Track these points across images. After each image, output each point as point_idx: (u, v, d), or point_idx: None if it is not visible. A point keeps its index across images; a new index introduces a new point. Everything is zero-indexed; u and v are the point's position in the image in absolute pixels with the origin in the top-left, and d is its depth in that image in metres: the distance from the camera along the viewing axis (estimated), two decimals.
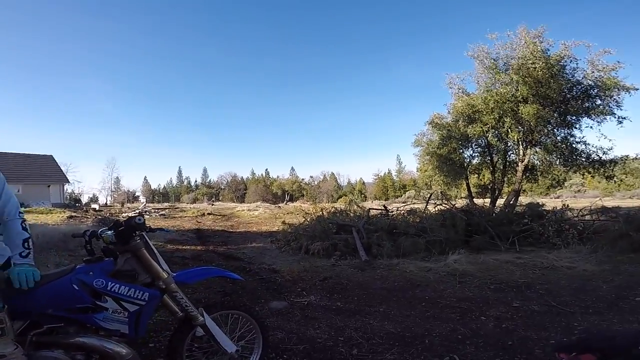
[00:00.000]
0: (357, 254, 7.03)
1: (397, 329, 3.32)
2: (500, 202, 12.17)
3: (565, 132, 11.11)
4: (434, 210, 9.68)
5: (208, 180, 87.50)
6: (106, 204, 41.21)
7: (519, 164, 11.62)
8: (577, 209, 9.15)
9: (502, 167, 12.79)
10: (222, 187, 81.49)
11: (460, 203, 11.14)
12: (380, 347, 2.94)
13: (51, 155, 34.96)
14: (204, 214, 21.64)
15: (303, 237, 8.38)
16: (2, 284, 1.65)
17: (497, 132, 11.84)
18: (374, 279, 5.31)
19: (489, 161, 13.12)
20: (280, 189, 76.29)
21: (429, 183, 15.61)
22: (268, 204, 34.04)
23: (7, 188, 1.80)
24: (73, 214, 17.42)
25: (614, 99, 10.17)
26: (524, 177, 11.81)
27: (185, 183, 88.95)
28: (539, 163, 12.04)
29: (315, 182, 79.62)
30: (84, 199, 44.00)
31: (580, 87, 10.55)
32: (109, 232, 1.91)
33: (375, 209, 11.29)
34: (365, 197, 62.96)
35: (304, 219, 10.37)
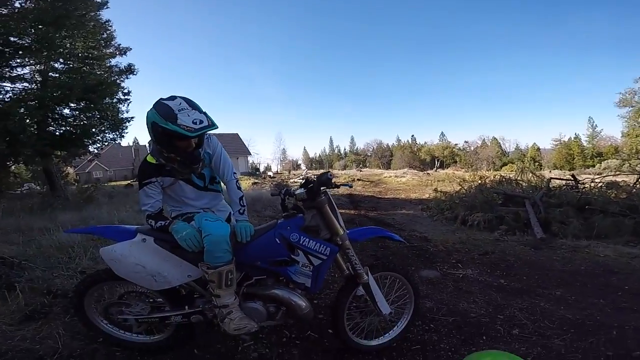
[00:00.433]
0: (529, 230, 6.10)
1: (576, 316, 2.84)
2: None
3: None
4: None
5: (355, 148, 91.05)
6: (277, 171, 48.52)
7: None
8: None
9: None
10: (369, 154, 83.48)
11: None
12: (549, 331, 2.59)
13: (237, 134, 43.95)
14: (353, 180, 22.71)
15: (459, 206, 7.78)
16: (233, 237, 1.90)
17: None
18: (551, 260, 4.53)
19: None
20: (428, 155, 72.51)
21: None
22: (415, 171, 33.02)
23: (224, 153, 2.11)
24: (255, 181, 21.35)
25: None
26: None
27: (336, 151, 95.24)
28: None
29: (472, 148, 71.84)
30: (261, 168, 53.02)
31: None
32: (301, 190, 2.02)
33: (558, 179, 9.36)
34: (541, 165, 52.96)
35: (460, 187, 9.58)
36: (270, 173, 40.06)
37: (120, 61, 14.67)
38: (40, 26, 10.02)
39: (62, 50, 11.50)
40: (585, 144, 59.14)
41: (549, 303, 3.14)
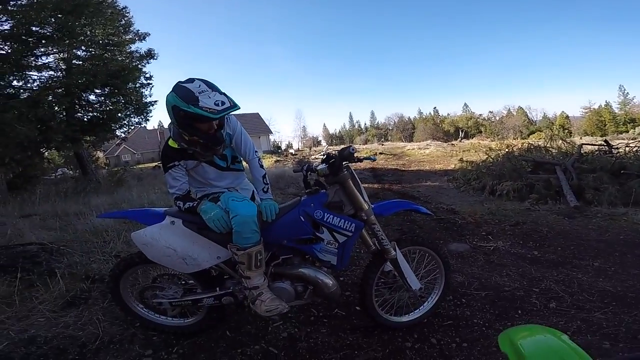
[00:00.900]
0: (562, 198, 5.85)
1: (617, 288, 2.73)
2: None
3: None
4: None
5: (376, 122, 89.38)
6: (298, 149, 48.58)
7: None
8: None
9: None
10: (390, 128, 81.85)
11: None
12: (589, 304, 2.49)
13: (257, 113, 44.29)
14: (375, 153, 22.44)
15: (487, 175, 7.55)
16: (259, 217, 1.87)
17: None
18: (586, 229, 4.33)
19: None
20: (452, 126, 70.25)
21: None
22: (439, 142, 32.16)
23: (244, 132, 2.09)
24: (278, 159, 21.52)
25: None
26: None
27: (356, 126, 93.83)
28: None
29: (497, 118, 68.98)
30: (283, 146, 53.29)
31: None
32: (323, 166, 1.97)
33: (590, 145, 8.84)
34: (570, 133, 50.63)
35: (486, 156, 9.23)
36: (291, 150, 40.20)
37: (140, 47, 14.88)
38: (59, 15, 10.15)
39: (82, 37, 11.71)
40: (616, 111, 57.03)
41: (586, 275, 3.03)
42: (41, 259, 3.05)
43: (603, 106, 58.11)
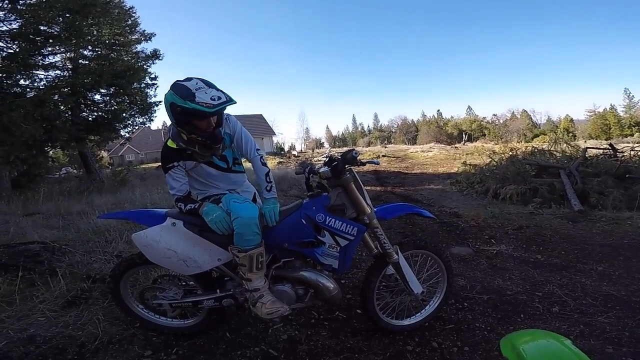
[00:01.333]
0: (566, 202, 5.81)
1: (621, 292, 2.71)
2: None
3: None
4: None
5: (379, 124, 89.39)
6: (301, 150, 48.66)
7: None
8: None
9: None
10: (393, 131, 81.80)
11: None
12: (592, 309, 2.47)
13: (261, 114, 44.51)
14: (379, 156, 22.43)
15: (490, 179, 7.51)
16: (261, 219, 1.85)
17: None
18: (591, 233, 4.29)
19: None
20: (456, 129, 70.14)
21: None
22: (443, 145, 32.12)
23: (244, 131, 2.08)
24: (280, 160, 21.56)
25: None
26: None
27: (359, 129, 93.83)
28: None
29: (501, 121, 68.86)
30: (286, 148, 53.38)
31: None
32: (325, 168, 1.96)
33: (595, 149, 8.79)
34: (575, 136, 50.54)
35: (490, 160, 9.18)
36: (294, 152, 40.25)
37: (146, 47, 14.99)
38: (67, 14, 10.24)
39: (89, 37, 11.78)
40: (621, 114, 56.91)
41: (590, 279, 3.01)
42: (43, 258, 3.05)
43: (608, 109, 57.96)
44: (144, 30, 14.82)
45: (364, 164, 2.07)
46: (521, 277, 3.09)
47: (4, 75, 9.53)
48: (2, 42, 9.94)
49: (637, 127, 49.58)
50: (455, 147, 28.36)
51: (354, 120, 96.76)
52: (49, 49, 10.90)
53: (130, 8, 14.31)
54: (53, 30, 10.50)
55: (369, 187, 9.70)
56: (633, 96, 56.44)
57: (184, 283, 2.12)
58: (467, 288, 2.88)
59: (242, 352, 2.05)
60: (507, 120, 67.37)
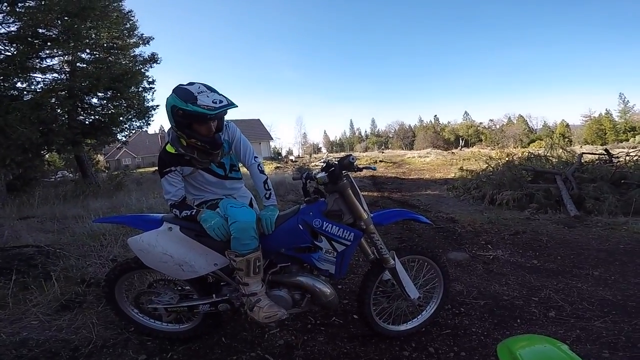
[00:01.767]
0: (562, 208, 5.85)
1: (617, 297, 2.73)
2: None
3: None
4: None
5: (376, 130, 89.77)
6: (298, 155, 48.70)
7: None
8: None
9: None
10: (390, 136, 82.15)
11: None
12: (588, 313, 2.49)
13: (258, 119, 44.68)
14: (375, 161, 22.46)
15: (487, 185, 7.56)
16: (258, 224, 1.86)
17: None
18: (587, 238, 4.32)
19: None
20: (452, 134, 70.56)
21: None
22: (440, 150, 32.24)
23: (243, 138, 2.09)
24: (278, 165, 21.55)
25: None
26: None
27: (356, 134, 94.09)
28: None
29: (497, 126, 69.37)
30: (283, 153, 53.49)
31: None
32: (322, 174, 1.96)
33: (590, 154, 8.87)
34: (571, 141, 50.86)
35: (486, 165, 9.23)
36: (292, 157, 40.28)
37: (144, 50, 14.89)
38: (66, 17, 10.23)
39: (88, 40, 11.73)
40: (617, 119, 57.10)
41: (586, 284, 3.02)
42: (37, 262, 3.01)
43: (603, 114, 58.25)
44: (142, 34, 14.81)
45: (361, 169, 2.08)
46: (518, 282, 3.10)
47: (1, 78, 9.47)
48: (0, 44, 9.92)
49: (632, 132, 49.59)
50: (452, 152, 28.47)
51: (351, 125, 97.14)
52: (47, 51, 10.87)
53: (129, 11, 14.27)
54: (51, 33, 10.47)
55: (366, 193, 9.71)
56: (628, 101, 56.87)
57: (179, 287, 2.10)
58: (464, 293, 2.89)
59: (237, 357, 2.03)
60: (503, 126, 67.80)
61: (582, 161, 7.77)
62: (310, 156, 39.77)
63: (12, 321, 2.28)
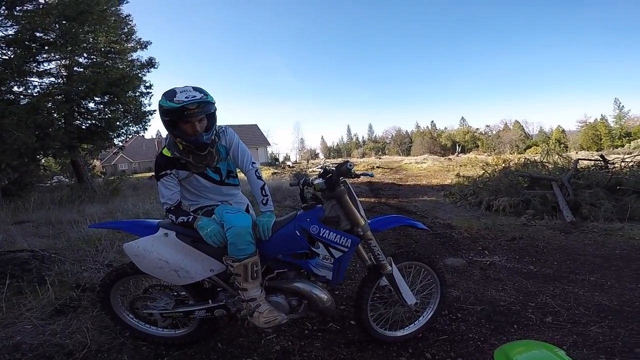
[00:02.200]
0: (558, 214, 5.88)
1: (613, 302, 2.73)
2: None
3: None
4: None
5: (374, 135, 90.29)
6: (296, 161, 48.70)
7: None
8: None
9: None
10: (387, 142, 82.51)
11: None
12: (585, 319, 2.49)
13: (256, 125, 44.71)
14: (373, 167, 22.55)
15: (483, 191, 7.58)
16: (256, 230, 1.87)
17: None
18: (583, 244, 4.34)
19: None
20: (449, 140, 70.97)
21: None
22: (436, 156, 32.43)
23: (241, 144, 2.09)
24: (275, 171, 21.54)
25: None
26: None
27: (354, 139, 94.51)
28: None
29: (494, 132, 69.89)
30: (280, 158, 53.40)
31: None
32: (320, 180, 1.96)
33: (586, 160, 8.94)
34: (567, 147, 51.19)
35: (483, 171, 9.27)
36: (289, 163, 40.27)
37: (141, 55, 14.95)
38: (64, 21, 10.24)
39: (85, 45, 11.73)
40: (612, 124, 57.53)
41: (583, 289, 3.03)
42: (31, 266, 2.99)
43: (599, 120, 58.64)
44: (140, 39, 14.79)
45: (358, 176, 2.08)
46: (514, 288, 3.10)
47: None
48: None
49: (627, 138, 49.61)
50: (449, 158, 28.63)
51: (348, 131, 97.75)
52: (44, 55, 10.86)
53: (127, 16, 14.28)
54: (49, 37, 10.47)
55: (363, 199, 9.71)
56: (623, 106, 57.23)
57: (175, 293, 2.09)
58: (461, 299, 2.88)
59: None
60: (499, 132, 68.31)
61: (578, 167, 7.81)
62: (308, 162, 39.82)
63: (6, 325, 2.26)
